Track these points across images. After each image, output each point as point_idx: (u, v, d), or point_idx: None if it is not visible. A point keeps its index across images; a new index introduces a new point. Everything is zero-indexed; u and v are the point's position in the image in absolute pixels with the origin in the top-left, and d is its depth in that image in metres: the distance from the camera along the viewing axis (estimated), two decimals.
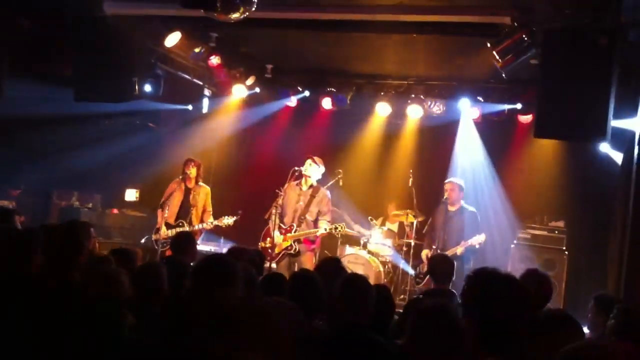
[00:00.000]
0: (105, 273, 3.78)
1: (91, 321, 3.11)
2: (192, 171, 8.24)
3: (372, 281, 5.54)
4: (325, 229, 7.77)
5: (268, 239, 7.82)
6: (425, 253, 8.20)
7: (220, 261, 3.53)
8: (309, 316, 3.85)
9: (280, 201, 7.78)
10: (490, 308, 2.42)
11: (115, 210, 10.14)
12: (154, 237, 8.13)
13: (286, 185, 7.93)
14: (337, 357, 3.39)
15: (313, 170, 7.94)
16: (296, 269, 7.44)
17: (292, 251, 7.80)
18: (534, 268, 4.88)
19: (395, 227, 9.66)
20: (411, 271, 8.54)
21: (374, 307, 3.67)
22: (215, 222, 8.04)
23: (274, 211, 7.68)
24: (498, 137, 9.45)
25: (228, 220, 7.98)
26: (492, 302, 2.43)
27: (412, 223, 8.80)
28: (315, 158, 8.02)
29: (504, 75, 7.11)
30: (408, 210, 8.96)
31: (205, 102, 10.51)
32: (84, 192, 9.98)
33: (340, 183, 8.42)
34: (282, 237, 7.82)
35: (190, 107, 10.51)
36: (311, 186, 7.99)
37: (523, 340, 2.43)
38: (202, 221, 8.17)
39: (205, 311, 3.16)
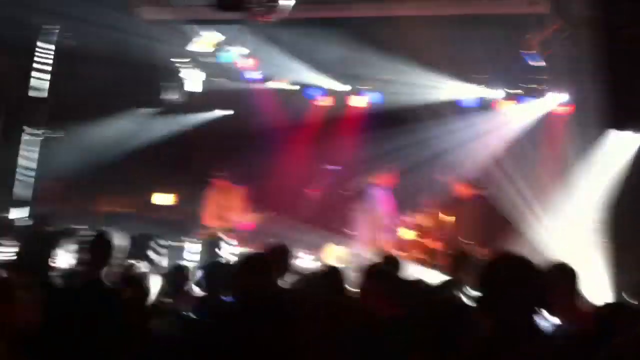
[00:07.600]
0: (136, 276, 3.92)
1: (123, 318, 3.36)
2: (225, 173, 8.33)
3: None
4: None
5: None
6: None
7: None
8: None
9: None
10: (508, 292, 2.39)
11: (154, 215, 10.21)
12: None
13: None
14: None
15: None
16: None
17: None
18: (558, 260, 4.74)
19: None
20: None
21: None
22: (253, 219, 8.09)
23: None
24: (535, 128, 9.28)
25: (266, 217, 8.03)
26: (510, 286, 2.40)
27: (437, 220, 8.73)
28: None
29: (542, 65, 7.01)
30: (434, 208, 8.88)
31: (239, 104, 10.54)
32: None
33: None
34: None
35: (225, 111, 10.57)
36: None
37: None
38: (239, 219, 8.25)
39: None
